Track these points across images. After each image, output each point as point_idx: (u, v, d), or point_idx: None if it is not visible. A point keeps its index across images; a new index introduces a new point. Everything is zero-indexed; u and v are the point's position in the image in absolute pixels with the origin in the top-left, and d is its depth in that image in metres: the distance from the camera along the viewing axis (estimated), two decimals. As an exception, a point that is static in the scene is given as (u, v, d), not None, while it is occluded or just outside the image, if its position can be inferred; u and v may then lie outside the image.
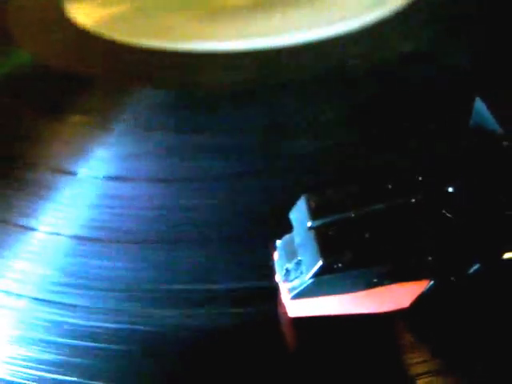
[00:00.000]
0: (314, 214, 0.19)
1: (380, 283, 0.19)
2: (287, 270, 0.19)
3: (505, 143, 0.20)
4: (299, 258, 0.19)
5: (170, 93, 0.30)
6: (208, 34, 0.33)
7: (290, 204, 0.20)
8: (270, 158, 0.25)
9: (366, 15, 0.33)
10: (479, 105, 0.21)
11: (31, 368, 0.19)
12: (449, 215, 0.18)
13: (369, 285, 0.19)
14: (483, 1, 0.33)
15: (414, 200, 0.19)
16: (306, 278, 0.18)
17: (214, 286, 0.21)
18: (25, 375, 0.19)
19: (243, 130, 0.27)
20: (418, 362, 0.19)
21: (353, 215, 0.19)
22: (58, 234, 0.23)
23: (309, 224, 0.19)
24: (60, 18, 0.35)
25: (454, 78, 0.27)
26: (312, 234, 0.19)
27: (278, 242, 0.20)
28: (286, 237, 0.20)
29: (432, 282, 0.19)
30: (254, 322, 0.20)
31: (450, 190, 0.19)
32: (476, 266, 0.19)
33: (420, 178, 0.19)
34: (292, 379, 0.19)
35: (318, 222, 0.19)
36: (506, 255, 0.20)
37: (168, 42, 0.32)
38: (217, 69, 0.31)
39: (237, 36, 0.33)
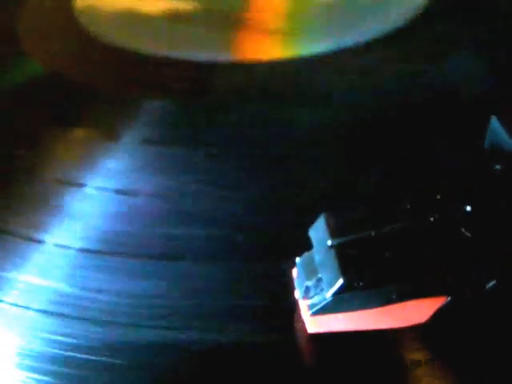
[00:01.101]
0: (333, 232, 0.19)
1: (398, 300, 0.19)
2: (307, 287, 0.19)
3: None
4: (319, 276, 0.19)
5: (181, 104, 0.30)
6: (225, 44, 0.33)
7: (304, 221, 0.20)
8: (282, 170, 0.26)
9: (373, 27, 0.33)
10: (495, 124, 0.21)
11: (37, 381, 0.19)
12: (467, 234, 0.19)
13: (387, 301, 0.19)
14: (492, 14, 0.33)
15: (432, 219, 0.19)
16: (327, 296, 0.19)
17: (227, 302, 0.21)
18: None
19: (251, 141, 0.27)
20: (433, 378, 0.19)
21: (373, 234, 0.19)
22: (65, 247, 0.23)
23: (329, 242, 0.19)
24: (72, 26, 0.35)
25: (470, 95, 0.27)
26: (333, 252, 0.19)
27: (298, 260, 0.20)
28: (306, 254, 0.20)
29: (449, 298, 0.20)
30: (271, 338, 0.20)
31: (468, 209, 0.19)
32: (492, 283, 0.20)
33: (438, 197, 0.20)
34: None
35: (338, 241, 0.19)
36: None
37: (183, 52, 0.33)
38: (231, 78, 0.31)
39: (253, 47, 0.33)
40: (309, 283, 0.19)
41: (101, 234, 0.24)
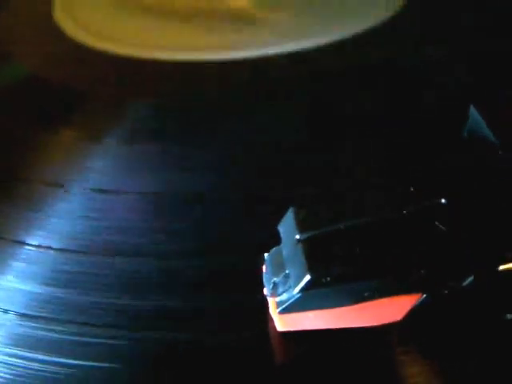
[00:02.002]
0: (302, 226, 0.18)
1: (371, 297, 0.18)
2: (275, 284, 0.18)
3: (500, 152, 0.19)
4: (287, 272, 0.18)
5: (163, 105, 0.29)
6: (206, 44, 0.32)
7: (279, 217, 0.19)
8: (261, 169, 0.25)
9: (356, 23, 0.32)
10: (473, 113, 0.20)
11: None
12: (442, 227, 0.18)
13: (359, 299, 0.18)
14: (475, 8, 0.33)
15: (405, 212, 0.18)
16: (294, 292, 0.18)
17: (201, 301, 0.20)
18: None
19: (236, 143, 0.26)
20: (410, 377, 0.18)
21: (342, 228, 0.18)
22: (46, 248, 0.23)
23: (297, 237, 0.18)
24: (53, 29, 0.34)
25: (447, 87, 0.26)
26: (300, 247, 0.18)
27: (266, 255, 0.19)
28: (274, 250, 0.19)
29: (424, 296, 0.19)
30: (243, 337, 0.19)
31: (443, 201, 0.18)
32: (470, 279, 0.19)
33: (412, 189, 0.19)
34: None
35: (306, 235, 0.18)
36: (502, 267, 0.19)
37: (163, 53, 0.32)
38: (213, 79, 0.30)
39: (231, 46, 0.32)
40: (276, 279, 0.18)
41: (82, 235, 0.23)
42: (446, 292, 0.19)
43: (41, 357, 0.19)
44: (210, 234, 0.23)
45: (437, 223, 0.18)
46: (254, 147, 0.26)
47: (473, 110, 0.20)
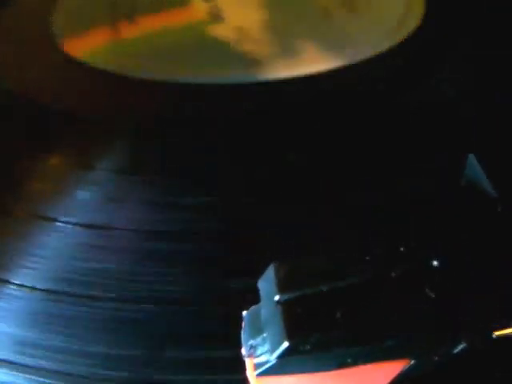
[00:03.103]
0: (282, 286, 0.17)
1: (354, 363, 0.17)
2: (252, 346, 0.17)
3: (499, 209, 0.18)
4: (264, 335, 0.17)
5: (158, 130, 0.28)
6: (207, 66, 0.31)
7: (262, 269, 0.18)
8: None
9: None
10: (472, 163, 0.19)
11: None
12: (432, 294, 0.17)
13: (341, 364, 0.17)
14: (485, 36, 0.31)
15: (393, 274, 0.17)
16: (271, 358, 0.17)
17: (183, 354, 0.19)
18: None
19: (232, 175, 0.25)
20: None
21: (325, 290, 0.17)
22: (30, 288, 0.21)
23: (276, 298, 0.17)
24: (51, 48, 0.33)
25: (449, 130, 0.25)
26: (279, 309, 0.17)
27: (244, 313, 0.18)
28: (253, 308, 0.18)
29: (412, 362, 0.18)
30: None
31: (435, 263, 0.17)
32: (462, 346, 0.18)
33: (402, 249, 0.17)
34: None
35: (286, 296, 0.17)
36: (498, 333, 0.18)
37: (165, 74, 0.31)
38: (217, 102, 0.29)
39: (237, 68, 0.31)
40: (253, 342, 0.17)
41: (68, 275, 0.22)
42: (436, 358, 0.18)
43: None
44: (194, 278, 0.21)
45: (427, 290, 0.17)
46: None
47: (471, 160, 0.19)
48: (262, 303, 0.18)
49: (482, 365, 0.18)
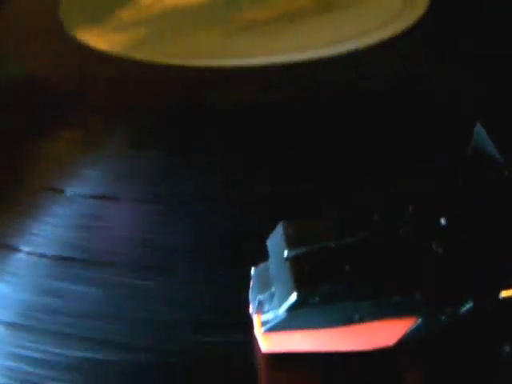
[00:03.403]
0: (291, 242, 0.17)
1: (362, 319, 0.17)
2: (260, 301, 0.18)
3: (506, 172, 0.18)
4: (273, 290, 0.17)
5: (167, 110, 0.28)
6: (219, 50, 0.32)
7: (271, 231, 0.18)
8: (265, 180, 0.24)
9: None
10: (479, 132, 0.19)
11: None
12: (440, 249, 0.17)
13: (349, 321, 0.17)
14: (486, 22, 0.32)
15: (401, 231, 0.17)
16: (280, 312, 0.17)
17: (194, 317, 0.19)
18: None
19: (238, 150, 0.26)
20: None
21: (333, 245, 0.17)
22: (40, 255, 0.22)
23: (285, 253, 0.17)
24: (57, 30, 0.34)
25: (454, 103, 0.25)
26: (287, 264, 0.17)
27: (253, 270, 0.18)
28: (261, 266, 0.18)
29: (420, 320, 0.18)
30: (227, 356, 0.18)
31: (443, 222, 0.17)
32: (469, 305, 0.18)
33: (410, 209, 0.18)
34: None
35: (294, 252, 0.17)
36: (504, 293, 0.18)
37: (174, 58, 0.31)
38: (223, 84, 0.29)
39: (254, 52, 0.31)
40: (261, 297, 0.17)
41: (77, 242, 0.22)
42: (443, 318, 0.18)
43: (25, 367, 0.18)
44: (205, 244, 0.22)
45: (434, 245, 0.17)
46: (260, 153, 0.25)
47: (478, 128, 0.19)
48: (270, 260, 0.18)
49: (489, 327, 0.18)
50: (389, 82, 0.28)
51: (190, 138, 0.26)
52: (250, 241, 0.21)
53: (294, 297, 0.16)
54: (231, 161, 0.25)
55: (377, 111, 0.27)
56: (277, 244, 0.18)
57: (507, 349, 0.17)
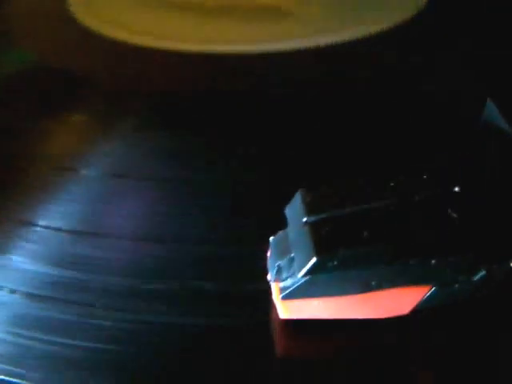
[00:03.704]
0: (309, 209, 0.18)
1: (378, 287, 0.18)
2: (279, 268, 0.18)
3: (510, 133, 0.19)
4: (292, 255, 0.18)
5: (169, 94, 0.29)
6: (216, 35, 0.32)
7: (287, 201, 0.19)
8: (267, 156, 0.25)
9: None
10: (490, 105, 0.20)
11: (19, 363, 0.18)
12: (454, 215, 0.17)
13: (366, 288, 0.18)
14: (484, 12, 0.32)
15: (417, 198, 0.18)
16: (299, 276, 0.17)
17: (206, 286, 0.20)
18: (13, 370, 0.18)
19: (237, 128, 0.26)
20: (416, 374, 0.18)
21: (351, 211, 0.17)
22: (56, 229, 0.22)
23: (304, 219, 0.18)
24: (63, 17, 0.34)
25: (454, 103, 0.25)
26: (306, 229, 0.17)
27: (271, 238, 0.19)
28: (280, 233, 0.18)
29: (434, 288, 0.18)
30: (244, 324, 0.19)
31: (457, 189, 0.18)
32: (482, 273, 0.18)
33: (425, 177, 0.18)
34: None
35: (313, 218, 0.18)
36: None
37: (174, 43, 0.32)
38: (220, 71, 0.30)
39: (243, 39, 0.32)
40: (280, 262, 0.18)
41: (90, 217, 0.23)
42: (457, 286, 0.18)
43: (46, 337, 0.19)
44: (216, 217, 0.22)
45: (449, 211, 0.17)
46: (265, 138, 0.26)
47: (489, 103, 0.20)
48: (289, 228, 0.18)
49: (500, 296, 0.18)
50: (388, 82, 0.29)
51: (199, 121, 0.27)
52: (253, 215, 0.22)
53: (313, 260, 0.17)
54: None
55: (376, 111, 0.27)
56: (295, 212, 0.18)
57: None
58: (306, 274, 0.17)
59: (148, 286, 0.20)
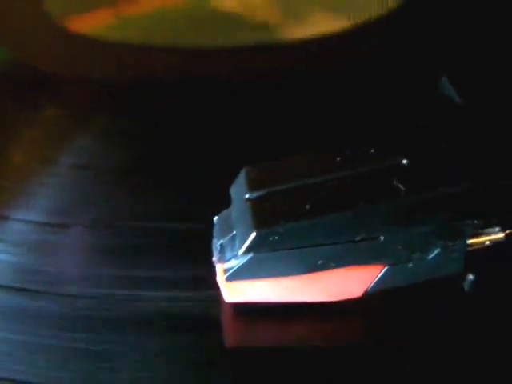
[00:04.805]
0: (252, 185, 0.17)
1: (325, 266, 0.17)
2: (222, 247, 0.17)
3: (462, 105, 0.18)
4: (234, 233, 0.17)
5: (151, 90, 0.29)
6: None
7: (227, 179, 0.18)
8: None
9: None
10: (445, 82, 0.19)
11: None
12: (401, 186, 0.16)
13: (312, 268, 0.17)
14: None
15: (363, 171, 0.17)
16: (240, 253, 0.16)
17: (156, 272, 0.19)
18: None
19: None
20: (372, 360, 0.17)
21: (295, 186, 0.17)
22: (30, 222, 0.22)
23: (246, 196, 0.17)
24: (40, 16, 0.34)
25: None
26: (248, 205, 0.17)
27: (215, 218, 0.18)
28: (224, 212, 0.18)
29: (386, 268, 0.17)
30: (189, 309, 0.18)
31: (404, 162, 0.17)
32: (437, 250, 0.17)
33: (372, 151, 0.17)
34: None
35: (256, 194, 0.17)
36: (470, 240, 0.18)
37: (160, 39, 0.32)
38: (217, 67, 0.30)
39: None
40: (223, 241, 0.17)
41: (63, 208, 0.22)
42: (411, 265, 0.18)
43: (27, 328, 0.18)
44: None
45: (395, 182, 0.17)
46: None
47: (444, 78, 0.19)
48: (232, 206, 0.18)
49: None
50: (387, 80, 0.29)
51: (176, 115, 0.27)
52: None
53: (253, 235, 0.16)
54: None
55: (375, 110, 0.27)
56: (239, 189, 0.17)
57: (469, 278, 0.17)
58: (246, 251, 0.16)
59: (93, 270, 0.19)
